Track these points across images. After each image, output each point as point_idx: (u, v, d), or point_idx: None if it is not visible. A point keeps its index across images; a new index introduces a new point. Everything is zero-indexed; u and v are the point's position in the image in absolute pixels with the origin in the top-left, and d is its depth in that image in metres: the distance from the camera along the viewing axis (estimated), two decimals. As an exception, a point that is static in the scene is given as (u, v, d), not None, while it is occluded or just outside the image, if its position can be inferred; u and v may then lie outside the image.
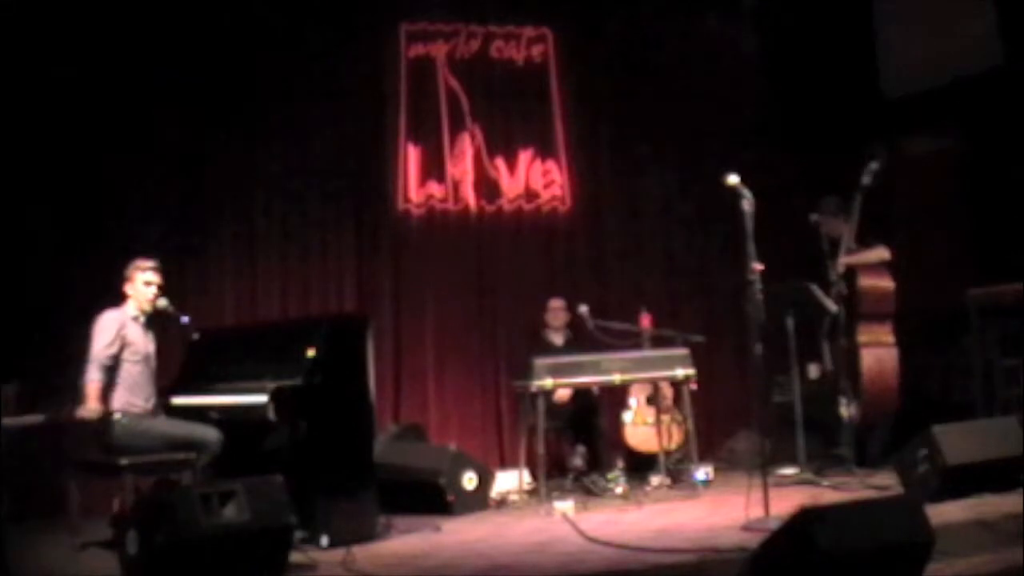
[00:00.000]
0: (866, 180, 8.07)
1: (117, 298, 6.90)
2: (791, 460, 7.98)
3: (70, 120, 8.31)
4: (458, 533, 6.97)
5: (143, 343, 6.89)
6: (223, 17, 8.79)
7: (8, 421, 6.50)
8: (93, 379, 6.70)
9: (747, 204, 6.51)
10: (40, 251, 8.18)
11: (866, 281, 8.24)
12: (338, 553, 6.18)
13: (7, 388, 6.71)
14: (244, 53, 8.90)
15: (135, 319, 6.88)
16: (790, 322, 7.91)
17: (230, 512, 5.54)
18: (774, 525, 5.28)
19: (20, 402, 6.85)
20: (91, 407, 6.64)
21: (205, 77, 8.75)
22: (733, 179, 6.54)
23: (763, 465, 6.57)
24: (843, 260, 8.19)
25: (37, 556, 6.58)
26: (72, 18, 8.31)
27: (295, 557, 5.93)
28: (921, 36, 9.51)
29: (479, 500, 7.83)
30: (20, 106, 8.10)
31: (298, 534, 6.11)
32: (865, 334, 8.22)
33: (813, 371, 8.33)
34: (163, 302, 6.95)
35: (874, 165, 8.06)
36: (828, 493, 7.21)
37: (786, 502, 6.15)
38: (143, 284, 6.88)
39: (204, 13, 8.70)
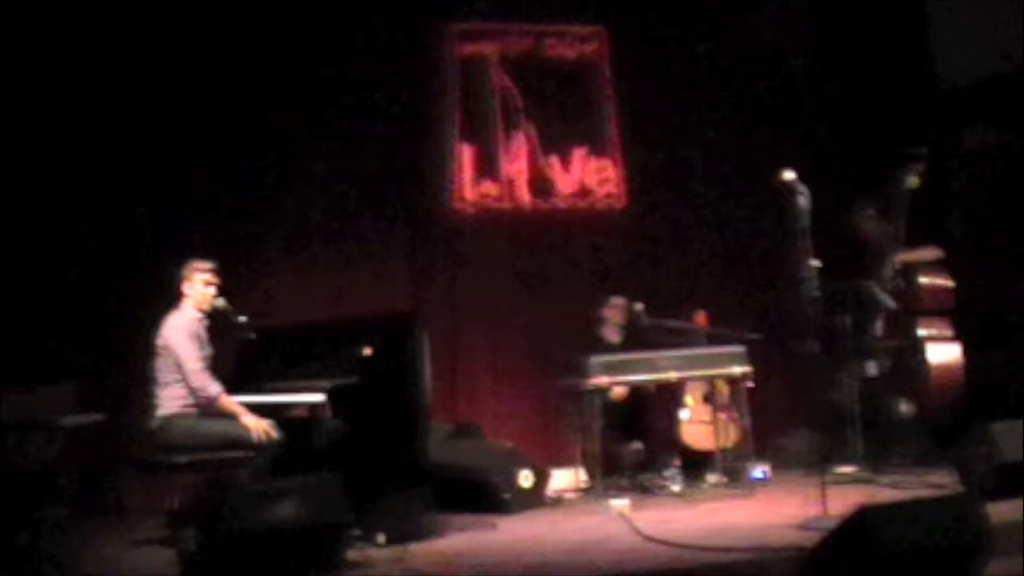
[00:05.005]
0: (911, 182, 8.01)
1: (173, 297, 6.96)
2: (848, 458, 7.92)
3: (121, 120, 8.37)
4: (513, 531, 6.99)
5: (206, 344, 6.96)
6: (273, 17, 8.82)
7: (66, 420, 6.58)
8: (218, 389, 6.77)
9: (803, 200, 6.48)
10: (95, 251, 8.25)
11: (926, 278, 8.17)
12: (394, 551, 6.20)
13: (65, 387, 6.77)
14: (294, 53, 8.93)
15: (199, 320, 6.94)
16: (847, 319, 7.84)
17: (287, 510, 5.58)
18: (831, 524, 5.24)
19: (78, 401, 6.92)
20: (250, 421, 6.67)
21: (256, 77, 8.79)
22: (789, 175, 6.52)
23: (820, 463, 6.52)
24: (901, 257, 8.13)
25: (95, 553, 6.65)
26: (121, 18, 8.38)
27: (351, 555, 5.97)
28: (979, 24, 9.38)
29: (534, 498, 7.83)
30: (73, 107, 8.19)
31: (354, 532, 6.14)
32: (927, 330, 8.15)
33: (870, 368, 8.26)
34: (220, 302, 7.01)
35: (919, 166, 7.99)
36: (885, 491, 7.15)
37: (843, 501, 6.11)
38: (202, 284, 6.94)
39: (254, 13, 8.74)
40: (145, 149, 8.48)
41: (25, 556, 6.03)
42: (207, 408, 6.77)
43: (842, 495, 6.62)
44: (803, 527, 6.13)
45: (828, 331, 7.50)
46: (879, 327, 8.24)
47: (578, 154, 9.78)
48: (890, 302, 7.95)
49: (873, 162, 9.01)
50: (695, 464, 8.76)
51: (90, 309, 8.14)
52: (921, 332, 8.15)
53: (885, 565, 4.57)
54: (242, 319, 7.14)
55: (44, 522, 6.20)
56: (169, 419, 6.72)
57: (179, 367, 6.74)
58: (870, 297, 7.91)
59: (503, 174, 9.61)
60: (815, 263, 6.52)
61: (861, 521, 4.69)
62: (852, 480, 7.64)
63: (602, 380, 7.75)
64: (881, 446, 8.13)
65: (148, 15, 8.45)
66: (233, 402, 6.76)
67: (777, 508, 7.01)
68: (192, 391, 6.74)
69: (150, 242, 8.35)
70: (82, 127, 8.25)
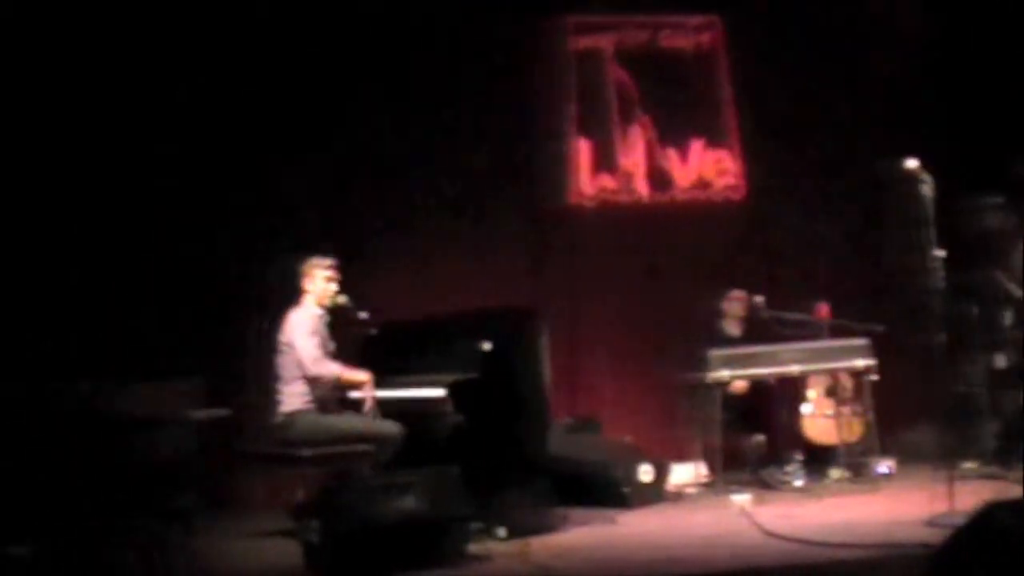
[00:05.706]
0: None
1: (294, 293, 7.07)
2: (976, 453, 7.75)
3: (244, 118, 8.51)
4: (633, 526, 6.98)
5: (327, 339, 7.06)
6: (389, 13, 8.89)
7: (196, 414, 6.72)
8: (337, 367, 6.95)
9: (927, 189, 6.37)
10: (219, 249, 8.42)
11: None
12: (515, 544, 6.24)
13: (195, 381, 6.92)
14: (411, 49, 8.98)
15: (320, 316, 7.04)
16: (974, 310, 7.68)
17: (409, 503, 5.66)
18: (959, 520, 5.12)
19: (206, 396, 7.06)
20: (360, 376, 6.89)
21: (374, 73, 8.87)
22: (912, 164, 6.40)
23: (947, 458, 6.40)
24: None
25: (222, 545, 6.79)
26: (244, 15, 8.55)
27: (472, 548, 6.01)
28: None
29: (655, 493, 7.80)
30: (195, 116, 8.36)
31: (475, 525, 6.18)
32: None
33: (999, 360, 8.07)
34: (342, 298, 7.11)
35: None
36: (1015, 487, 6.96)
37: (971, 496, 5.95)
38: (323, 280, 7.04)
39: (371, 9, 8.83)
40: (269, 147, 8.62)
41: (155, 547, 6.19)
42: (329, 398, 6.88)
43: (970, 491, 6.47)
44: (930, 523, 6.01)
45: (955, 323, 7.34)
46: (1008, 318, 8.04)
47: (696, 146, 9.72)
48: (1019, 292, 7.75)
49: (996, 149, 8.80)
50: (818, 459, 8.64)
51: (214, 305, 8.31)
52: (1055, 323, 7.94)
53: (1015, 562, 4.46)
54: (363, 314, 7.22)
55: (174, 514, 6.35)
56: (292, 415, 6.84)
57: (299, 362, 6.86)
58: (998, 287, 7.73)
59: (621, 167, 9.58)
60: (940, 253, 6.39)
61: (990, 517, 4.56)
62: (980, 475, 7.48)
63: (723, 374, 7.71)
64: (1010, 440, 7.94)
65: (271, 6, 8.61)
66: (353, 372, 6.92)
67: (903, 504, 6.88)
68: (312, 380, 6.85)
69: (271, 240, 8.49)
70: (208, 122, 8.42)
